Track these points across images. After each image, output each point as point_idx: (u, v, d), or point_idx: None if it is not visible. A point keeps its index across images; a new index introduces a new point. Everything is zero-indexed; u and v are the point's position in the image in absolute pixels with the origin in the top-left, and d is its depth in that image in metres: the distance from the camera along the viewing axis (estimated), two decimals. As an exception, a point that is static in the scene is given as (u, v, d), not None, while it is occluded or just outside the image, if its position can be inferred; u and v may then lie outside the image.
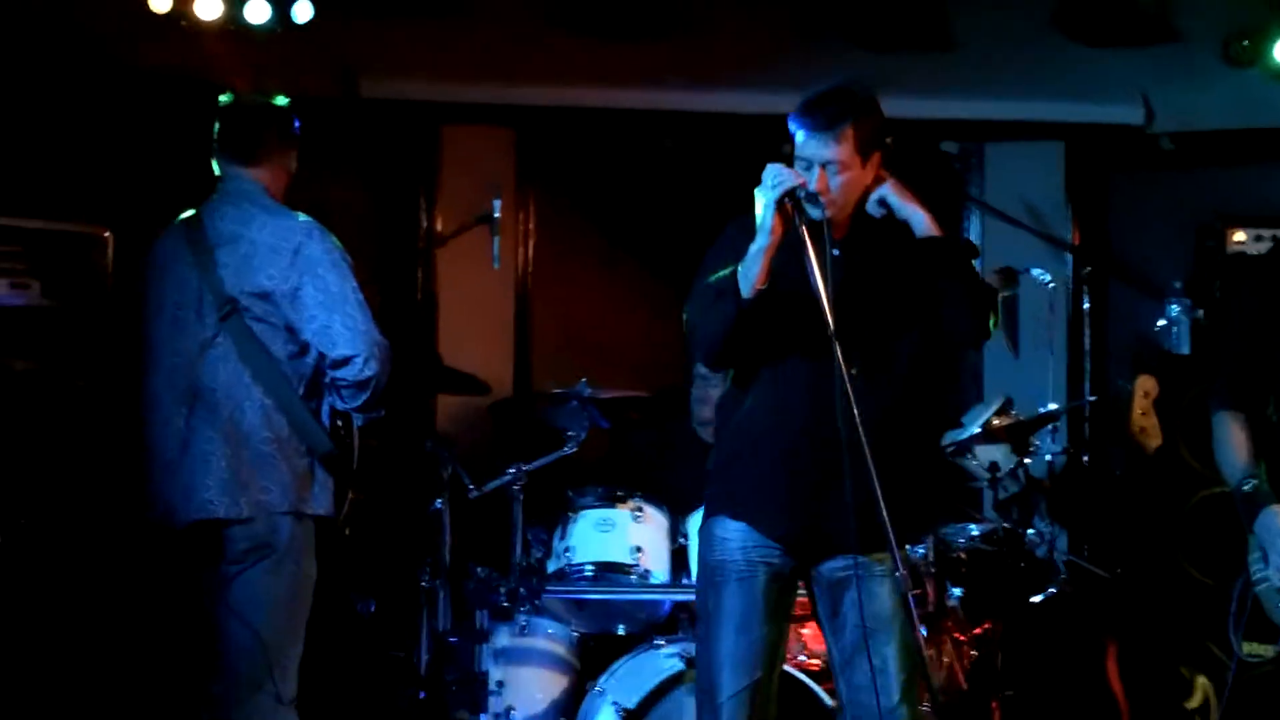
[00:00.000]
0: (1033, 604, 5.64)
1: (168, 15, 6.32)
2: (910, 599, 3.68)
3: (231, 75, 6.37)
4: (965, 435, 5.84)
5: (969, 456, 5.94)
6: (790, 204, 3.73)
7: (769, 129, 7.18)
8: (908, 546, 5.13)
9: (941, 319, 3.91)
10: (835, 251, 3.73)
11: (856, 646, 3.89)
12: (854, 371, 3.64)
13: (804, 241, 3.70)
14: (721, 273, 3.83)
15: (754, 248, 3.76)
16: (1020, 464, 5.77)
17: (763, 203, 3.75)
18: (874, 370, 3.86)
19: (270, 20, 6.48)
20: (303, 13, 6.56)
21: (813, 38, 7.31)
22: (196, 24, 6.36)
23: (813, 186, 3.79)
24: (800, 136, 3.87)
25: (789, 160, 3.84)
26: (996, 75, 7.38)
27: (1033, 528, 5.69)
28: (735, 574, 3.93)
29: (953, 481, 5.41)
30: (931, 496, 4.19)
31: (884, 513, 3.56)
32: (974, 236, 7.56)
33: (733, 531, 3.95)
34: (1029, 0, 7.30)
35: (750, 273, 3.75)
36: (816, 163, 3.83)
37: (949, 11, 7.35)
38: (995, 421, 5.84)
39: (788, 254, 3.76)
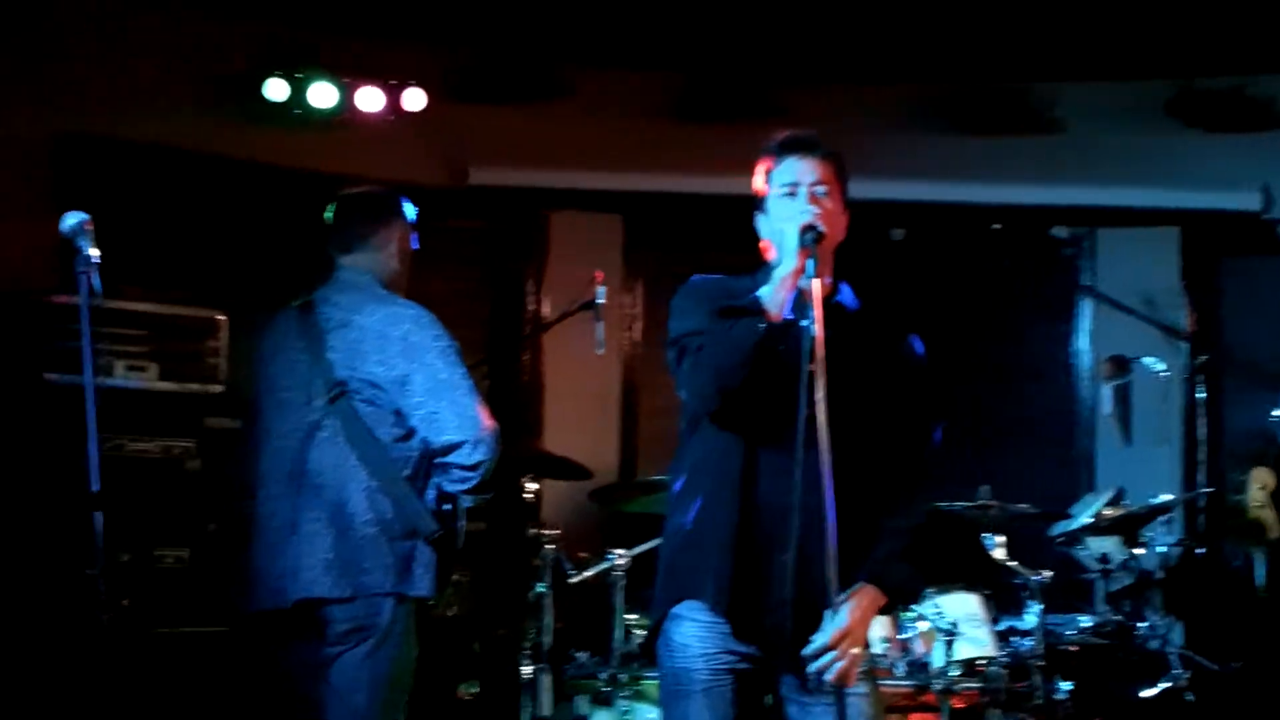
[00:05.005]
0: (1144, 699, 5.51)
1: (283, 104, 6.50)
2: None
3: (343, 165, 6.53)
4: (1075, 526, 5.76)
5: (1079, 547, 5.86)
6: (810, 240, 3.48)
7: (879, 216, 7.26)
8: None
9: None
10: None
11: None
12: (829, 451, 3.33)
13: (809, 293, 3.44)
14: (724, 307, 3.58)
15: (778, 273, 3.50)
16: (1132, 556, 5.67)
17: (786, 228, 3.51)
18: (847, 453, 3.45)
19: (383, 108, 6.63)
20: (414, 101, 6.70)
21: (920, 124, 7.34)
22: (310, 111, 6.52)
23: (805, 208, 3.56)
24: (784, 163, 3.66)
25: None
26: (1109, 161, 7.36)
27: (1145, 621, 5.58)
28: (700, 684, 3.58)
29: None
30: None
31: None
32: (1085, 323, 7.50)
33: (692, 637, 3.60)
34: (1141, 86, 7.29)
35: (776, 297, 3.48)
36: (805, 184, 3.61)
37: (1060, 97, 7.35)
38: (1106, 512, 5.77)
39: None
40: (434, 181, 7.05)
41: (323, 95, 6.54)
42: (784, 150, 3.68)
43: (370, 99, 6.63)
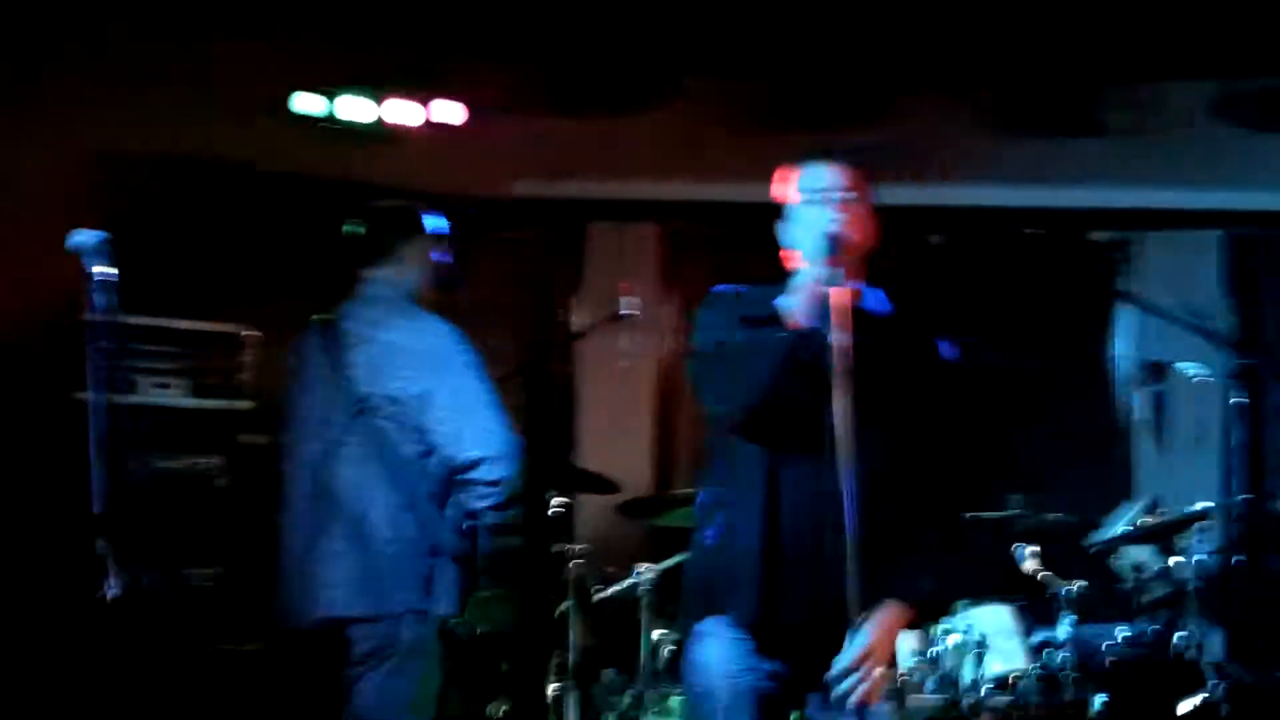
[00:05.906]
0: (1182, 713, 5.43)
1: (318, 117, 6.53)
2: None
3: (381, 177, 6.54)
4: (1110, 535, 5.69)
5: (1115, 557, 5.78)
6: (835, 248, 3.44)
7: (918, 221, 7.19)
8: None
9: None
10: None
11: None
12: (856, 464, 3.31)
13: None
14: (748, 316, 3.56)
15: (801, 282, 3.49)
16: (1168, 565, 5.59)
17: (811, 235, 3.49)
18: (873, 463, 3.45)
19: (421, 122, 6.65)
20: (454, 114, 6.72)
21: (960, 128, 7.27)
22: (345, 125, 6.55)
23: (830, 215, 3.52)
24: (810, 169, 3.62)
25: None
26: (1150, 162, 7.25)
27: (1182, 631, 5.49)
28: (723, 704, 3.53)
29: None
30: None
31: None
32: (1126, 329, 7.40)
33: (714, 656, 3.56)
34: (1185, 86, 7.19)
35: (800, 306, 3.45)
36: (831, 190, 3.56)
37: (1101, 98, 7.25)
38: (1142, 521, 5.69)
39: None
40: (475, 192, 7.04)
41: (356, 109, 6.56)
42: (810, 156, 3.66)
43: (410, 114, 6.65)
